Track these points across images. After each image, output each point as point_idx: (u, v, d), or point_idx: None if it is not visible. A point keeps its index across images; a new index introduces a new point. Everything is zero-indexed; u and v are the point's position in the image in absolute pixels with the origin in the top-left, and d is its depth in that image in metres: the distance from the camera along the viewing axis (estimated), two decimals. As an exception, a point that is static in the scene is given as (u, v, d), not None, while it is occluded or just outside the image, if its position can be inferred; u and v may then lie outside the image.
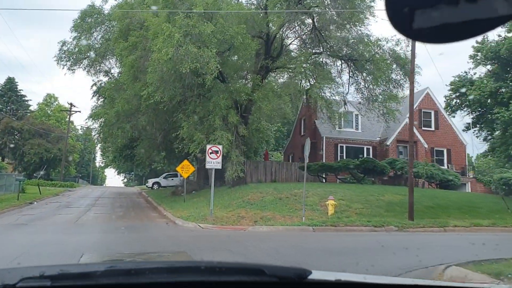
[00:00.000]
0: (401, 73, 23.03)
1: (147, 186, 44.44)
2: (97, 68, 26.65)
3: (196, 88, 20.54)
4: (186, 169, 22.08)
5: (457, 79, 36.28)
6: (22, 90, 57.87)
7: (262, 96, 21.42)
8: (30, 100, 71.14)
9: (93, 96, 27.53)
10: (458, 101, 36.42)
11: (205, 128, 20.29)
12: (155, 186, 43.23)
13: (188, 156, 29.06)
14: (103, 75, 27.95)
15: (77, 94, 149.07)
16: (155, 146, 26.69)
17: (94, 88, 28.59)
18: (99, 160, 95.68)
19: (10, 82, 55.63)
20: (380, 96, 22.34)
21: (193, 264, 1.69)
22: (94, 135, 24.79)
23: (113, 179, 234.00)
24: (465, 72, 35.80)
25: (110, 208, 21.87)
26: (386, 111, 22.20)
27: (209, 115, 20.10)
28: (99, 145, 29.11)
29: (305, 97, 29.56)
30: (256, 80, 21.38)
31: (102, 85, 27.43)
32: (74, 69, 25.10)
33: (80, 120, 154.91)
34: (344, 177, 27.29)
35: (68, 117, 50.10)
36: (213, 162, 15.34)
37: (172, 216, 16.76)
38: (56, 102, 65.65)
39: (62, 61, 24.64)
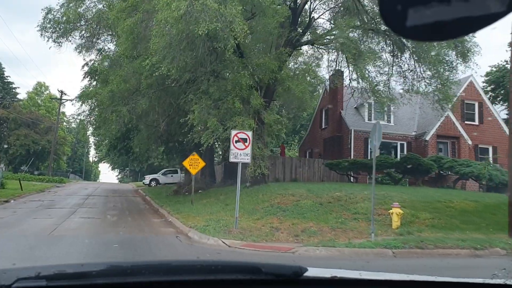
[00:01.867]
0: (453, 53, 19.09)
1: (144, 183, 40.28)
2: (89, 44, 22.45)
3: (210, 64, 16.45)
4: (194, 163, 18.00)
5: (494, 69, 32.39)
6: (9, 76, 53.54)
7: (290, 75, 17.39)
8: (18, 87, 67.14)
9: (84, 77, 23.31)
10: (494, 94, 32.55)
11: (220, 113, 16.22)
12: (153, 183, 39.12)
13: (196, 148, 25.06)
14: (96, 54, 23.75)
15: (72, 87, 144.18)
16: (155, 137, 22.48)
17: (86, 68, 24.35)
18: (92, 155, 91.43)
19: (-4, 67, 51.17)
20: (433, 80, 18.31)
21: (190, 263, 1.68)
22: (83, 121, 20.53)
23: (107, 174, 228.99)
24: (505, 61, 31.89)
25: (101, 211, 17.75)
26: (443, 96, 18.17)
27: (226, 96, 16.01)
28: (89, 133, 24.66)
29: (328, 84, 25.61)
30: (282, 55, 17.31)
31: (95, 64, 23.20)
32: (60, 42, 20.88)
33: (72, 111, 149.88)
34: (377, 176, 23.26)
35: (58, 106, 45.75)
36: (240, 153, 11.28)
37: (181, 224, 12.69)
38: (47, 92, 61.24)
39: (47, 31, 20.42)
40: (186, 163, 18.12)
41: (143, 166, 45.72)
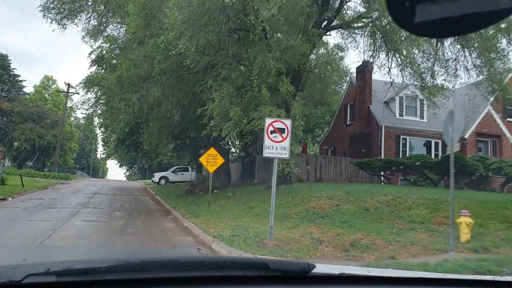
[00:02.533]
0: (504, 40, 16.77)
1: (153, 181, 38.37)
2: (96, 30, 20.43)
3: (232, 46, 14.34)
4: (212, 160, 15.89)
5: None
6: (15, 69, 51.91)
7: (322, 60, 15.21)
8: (25, 80, 65.15)
9: (91, 65, 21.30)
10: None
11: (244, 103, 14.09)
12: (162, 181, 37.19)
13: (209, 145, 23.04)
14: (104, 40, 21.69)
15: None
16: (167, 131, 20.35)
17: (93, 56, 22.35)
18: (100, 151, 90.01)
19: (2, 59, 49.52)
20: (485, 69, 15.99)
21: (198, 259, 1.73)
22: (88, 110, 18.46)
23: (115, 172, 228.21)
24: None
25: (107, 212, 15.73)
26: (498, 87, 15.87)
27: (251, 83, 13.87)
28: (96, 125, 22.59)
29: (354, 76, 23.40)
30: (314, 37, 15.14)
31: (103, 52, 21.16)
32: (65, 25, 18.88)
33: (78, 101, 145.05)
34: (411, 177, 21.02)
35: (65, 99, 43.93)
36: (276, 147, 9.11)
37: (200, 231, 10.58)
38: (55, 86, 59.57)
39: (50, 12, 18.43)
40: (202, 159, 16.01)
41: (152, 163, 43.82)
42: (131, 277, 1.37)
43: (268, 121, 9.19)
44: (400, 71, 16.24)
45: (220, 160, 16.05)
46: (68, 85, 42.28)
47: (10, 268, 1.33)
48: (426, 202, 11.84)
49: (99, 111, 17.70)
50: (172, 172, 37.98)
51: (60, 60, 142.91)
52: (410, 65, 15.33)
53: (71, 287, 1.32)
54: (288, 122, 9.30)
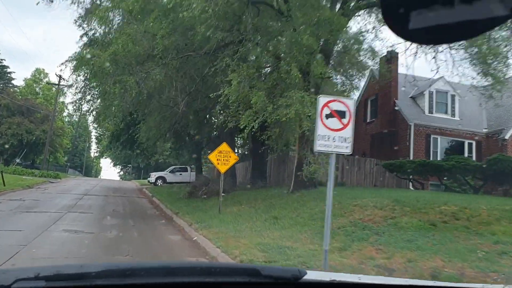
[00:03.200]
0: None
1: (149, 181, 35.59)
2: (90, 9, 17.65)
3: (252, 18, 11.71)
4: (224, 158, 13.20)
5: None
6: (4, 60, 48.94)
7: (359, 39, 12.64)
8: (14, 72, 61.78)
9: (82, 50, 18.44)
10: None
11: (267, 87, 11.44)
12: (159, 182, 34.43)
13: (210, 142, 20.46)
14: (99, 23, 18.86)
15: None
16: (169, 123, 17.53)
17: (85, 39, 19.56)
18: (94, 149, 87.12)
19: (-10, 49, 46.43)
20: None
21: (190, 265, 1.71)
22: (75, 96, 15.57)
23: (109, 171, 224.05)
24: None
25: (96, 218, 13.00)
26: None
27: (276, 62, 11.22)
28: (87, 114, 19.66)
29: (378, 68, 20.81)
30: (349, 11, 12.53)
31: (96, 34, 18.37)
32: (52, -1, 16.11)
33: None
34: (445, 182, 18.44)
35: (56, 93, 40.97)
36: (334, 137, 6.44)
37: (218, 250, 7.89)
38: (46, 79, 56.52)
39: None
40: (212, 157, 13.30)
41: (149, 162, 40.99)
42: (121, 283, 1.34)
43: (322, 100, 6.51)
44: (453, 53, 13.63)
45: (234, 158, 13.38)
46: (60, 77, 39.38)
47: None
48: (506, 215, 9.23)
49: (89, 97, 14.90)
50: (170, 172, 35.24)
51: (61, 59, 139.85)
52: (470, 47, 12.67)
53: None
54: (350, 103, 6.64)
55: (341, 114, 6.54)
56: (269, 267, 1.72)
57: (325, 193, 12.92)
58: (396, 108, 21.45)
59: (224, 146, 13.38)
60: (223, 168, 13.34)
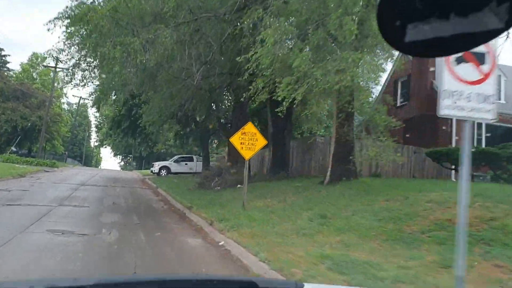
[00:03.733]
0: None
1: (152, 171, 33.13)
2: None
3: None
4: (249, 141, 10.73)
5: None
6: (-1, 43, 46.16)
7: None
8: (9, 55, 58.72)
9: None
10: None
11: (311, 47, 8.93)
12: (163, 172, 31.98)
13: (220, 129, 18.14)
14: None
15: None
16: (181, 100, 14.83)
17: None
18: (94, 138, 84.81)
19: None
20: None
21: (185, 277, 1.65)
22: (67, 63, 12.96)
23: (109, 161, 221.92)
24: None
25: (91, 214, 10.57)
26: None
27: (322, 17, 8.68)
28: (77, 81, 17.07)
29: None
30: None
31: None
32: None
33: (74, 92, 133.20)
34: (489, 173, 16.03)
35: (53, 75, 38.39)
36: (469, 94, 3.99)
37: (264, 265, 5.46)
38: (44, 64, 53.76)
39: None
40: (235, 140, 10.79)
41: (151, 151, 38.49)
42: None
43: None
44: None
45: (261, 141, 10.89)
46: (56, 59, 36.71)
47: None
48: None
49: (84, 65, 12.25)
50: (174, 162, 32.77)
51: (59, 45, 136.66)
52: None
53: None
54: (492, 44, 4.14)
55: (479, 58, 4.05)
56: (267, 280, 1.69)
57: (374, 186, 10.49)
58: (435, 89, 18.92)
59: (249, 127, 10.89)
60: (247, 154, 10.86)
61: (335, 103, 11.15)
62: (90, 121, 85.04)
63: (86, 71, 12.61)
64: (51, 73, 54.05)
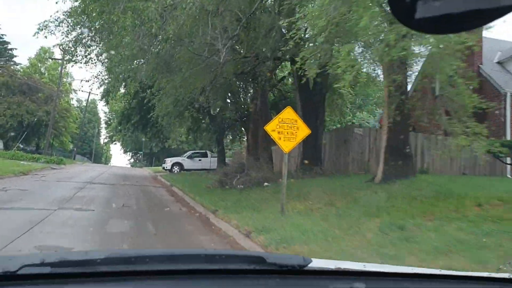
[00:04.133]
0: None
1: (164, 168, 31.28)
2: None
3: None
4: (289, 129, 8.70)
5: None
6: (5, 35, 44.79)
7: None
8: (15, 49, 57.36)
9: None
10: None
11: (379, 3, 6.82)
12: (176, 169, 30.13)
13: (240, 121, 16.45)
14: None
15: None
16: (204, 81, 12.63)
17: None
18: (104, 135, 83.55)
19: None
20: None
21: (194, 252, 1.66)
22: (67, 37, 11.03)
23: (119, 158, 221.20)
24: None
25: (96, 220, 8.64)
26: None
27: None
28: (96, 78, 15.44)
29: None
30: None
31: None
32: None
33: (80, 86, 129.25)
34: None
35: (60, 68, 36.69)
36: None
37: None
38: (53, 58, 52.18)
39: None
40: (272, 128, 8.77)
41: (163, 146, 36.61)
42: (126, 269, 1.35)
43: None
44: None
45: (304, 130, 8.85)
46: (64, 50, 34.99)
47: (5, 259, 1.33)
48: None
49: (87, 35, 10.27)
50: (187, 158, 30.88)
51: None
52: None
53: (66, 278, 1.29)
54: None
55: None
56: (274, 255, 1.66)
57: (442, 185, 8.34)
58: (483, 74, 16.70)
59: (288, 112, 8.85)
60: (287, 146, 8.83)
61: (387, 78, 9.04)
62: (100, 118, 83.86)
63: (90, 46, 10.64)
64: (59, 68, 52.62)
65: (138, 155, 75.60)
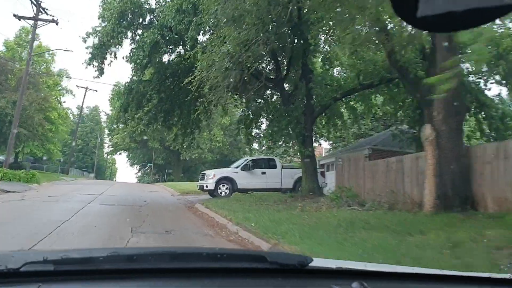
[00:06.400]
0: None
1: (201, 188, 17.88)
2: None
3: None
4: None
5: None
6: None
7: None
8: None
9: None
10: None
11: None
12: (224, 190, 17.02)
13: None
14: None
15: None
16: None
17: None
18: (107, 144, 71.25)
19: None
20: None
21: (195, 250, 1.69)
22: None
23: (125, 171, 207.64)
24: None
25: None
26: None
27: None
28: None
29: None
30: None
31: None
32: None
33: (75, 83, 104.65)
34: None
35: (32, 30, 23.87)
36: None
37: None
38: (38, 42, 39.58)
39: None
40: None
41: (182, 146, 22.79)
42: (128, 267, 1.35)
43: None
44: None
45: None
46: (38, 5, 22.33)
47: (8, 256, 1.32)
48: None
49: None
50: (242, 169, 17.55)
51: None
52: None
53: (68, 276, 1.29)
54: None
55: None
56: (276, 253, 1.66)
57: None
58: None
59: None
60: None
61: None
62: (103, 126, 71.28)
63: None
64: (45, 53, 40.03)
65: (147, 168, 62.76)
